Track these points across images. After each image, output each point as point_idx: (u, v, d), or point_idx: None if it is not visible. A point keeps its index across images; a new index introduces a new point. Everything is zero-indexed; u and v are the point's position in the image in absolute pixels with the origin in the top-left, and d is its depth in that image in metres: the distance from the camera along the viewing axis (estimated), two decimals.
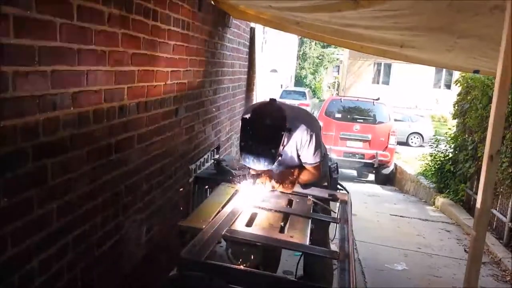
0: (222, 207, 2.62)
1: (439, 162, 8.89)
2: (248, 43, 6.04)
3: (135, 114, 2.48)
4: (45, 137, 1.69)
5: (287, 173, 2.94)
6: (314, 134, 2.83)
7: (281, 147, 2.59)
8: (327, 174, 3.28)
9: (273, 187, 2.88)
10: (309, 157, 2.88)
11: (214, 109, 4.32)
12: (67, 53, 1.80)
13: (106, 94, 2.14)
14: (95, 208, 2.14)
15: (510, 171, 5.64)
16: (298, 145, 2.83)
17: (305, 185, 3.02)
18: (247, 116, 2.60)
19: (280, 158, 2.64)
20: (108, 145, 2.21)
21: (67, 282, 1.94)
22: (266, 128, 2.54)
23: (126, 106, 2.36)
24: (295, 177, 2.95)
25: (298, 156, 2.90)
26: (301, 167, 2.96)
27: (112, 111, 2.22)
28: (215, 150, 4.63)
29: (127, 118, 2.38)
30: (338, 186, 3.71)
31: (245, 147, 2.56)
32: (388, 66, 24.94)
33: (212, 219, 2.38)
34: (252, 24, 6.05)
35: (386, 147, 10.76)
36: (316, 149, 2.86)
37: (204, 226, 2.26)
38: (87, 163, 2.02)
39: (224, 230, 2.18)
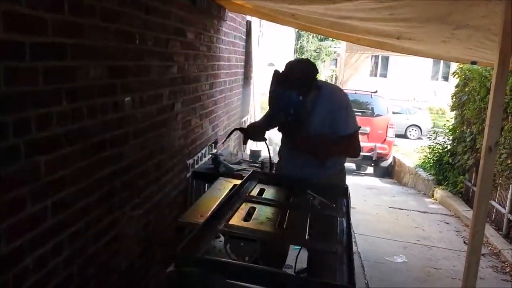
0: (220, 202, 2.61)
1: (437, 154, 8.89)
2: (244, 37, 6.01)
3: (130, 110, 2.46)
4: (37, 133, 1.67)
5: (322, 139, 2.83)
6: (349, 103, 2.88)
7: (310, 103, 2.63)
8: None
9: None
10: (345, 125, 2.81)
11: (211, 104, 4.30)
12: (58, 48, 1.77)
13: (100, 89, 2.11)
14: (90, 205, 2.12)
15: (509, 162, 5.64)
16: (333, 112, 2.77)
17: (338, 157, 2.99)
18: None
19: (308, 116, 2.68)
20: (102, 141, 2.19)
21: (64, 279, 1.92)
22: (297, 73, 2.64)
23: (120, 101, 2.34)
24: (330, 145, 2.85)
25: (331, 131, 2.84)
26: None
27: (106, 107, 2.19)
28: (213, 144, 4.62)
29: (121, 113, 2.36)
30: None
31: (274, 93, 2.61)
32: (386, 59, 24.89)
33: (210, 214, 2.37)
34: (248, 17, 6.02)
35: (385, 139, 10.76)
36: (352, 115, 2.86)
37: (201, 221, 2.25)
38: (81, 159, 1.99)
39: (222, 225, 2.16)
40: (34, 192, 1.67)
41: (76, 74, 1.91)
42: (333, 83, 33.85)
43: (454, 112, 8.49)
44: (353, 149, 2.94)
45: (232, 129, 3.29)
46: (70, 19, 1.82)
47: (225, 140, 3.67)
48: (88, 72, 2.00)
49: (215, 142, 4.69)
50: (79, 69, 1.93)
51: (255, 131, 3.15)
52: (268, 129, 3.21)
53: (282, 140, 3.20)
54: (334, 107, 2.79)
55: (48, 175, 1.75)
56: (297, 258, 3.19)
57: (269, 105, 2.70)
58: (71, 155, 1.91)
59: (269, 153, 3.33)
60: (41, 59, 1.66)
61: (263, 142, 3.19)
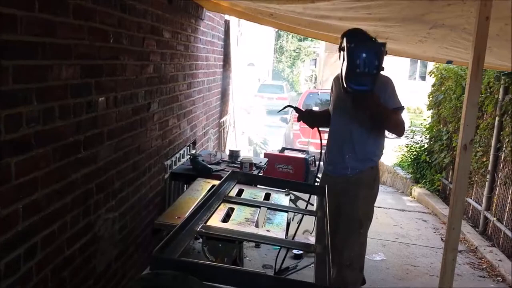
0: (198, 203, 2.58)
1: (415, 153, 8.98)
2: (223, 36, 5.98)
3: (104, 110, 2.41)
4: (7, 134, 1.61)
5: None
6: (390, 82, 2.96)
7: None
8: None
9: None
10: (391, 100, 2.90)
11: (189, 104, 4.26)
12: (29, 47, 1.72)
13: (73, 89, 2.06)
14: (64, 207, 2.07)
15: (485, 160, 5.73)
16: (378, 90, 2.77)
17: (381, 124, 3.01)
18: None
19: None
20: (76, 142, 2.14)
21: (37, 284, 1.87)
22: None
23: (94, 101, 2.29)
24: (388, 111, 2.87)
25: None
26: None
27: (79, 107, 2.14)
28: (191, 145, 4.58)
29: (95, 113, 2.31)
30: (316, 179, 3.71)
31: (358, 48, 2.58)
32: None
33: (188, 215, 2.34)
34: (227, 17, 5.99)
35: None
36: (395, 94, 2.94)
37: (179, 223, 2.22)
38: (53, 161, 1.94)
39: (200, 227, 2.14)
40: (5, 195, 1.62)
41: (47, 74, 1.86)
42: (313, 83, 34.09)
43: (431, 111, 8.59)
44: (401, 125, 2.98)
45: (287, 105, 3.38)
46: (42, 16, 1.77)
47: (279, 111, 3.76)
48: (60, 72, 1.95)
49: (194, 143, 4.65)
50: (51, 68, 1.88)
51: (310, 116, 3.33)
52: (321, 123, 3.40)
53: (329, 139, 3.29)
54: (382, 85, 2.84)
55: (19, 177, 1.70)
56: (276, 258, 3.17)
57: (352, 61, 2.57)
58: (43, 157, 1.86)
59: (321, 143, 3.40)
60: (11, 58, 1.61)
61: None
